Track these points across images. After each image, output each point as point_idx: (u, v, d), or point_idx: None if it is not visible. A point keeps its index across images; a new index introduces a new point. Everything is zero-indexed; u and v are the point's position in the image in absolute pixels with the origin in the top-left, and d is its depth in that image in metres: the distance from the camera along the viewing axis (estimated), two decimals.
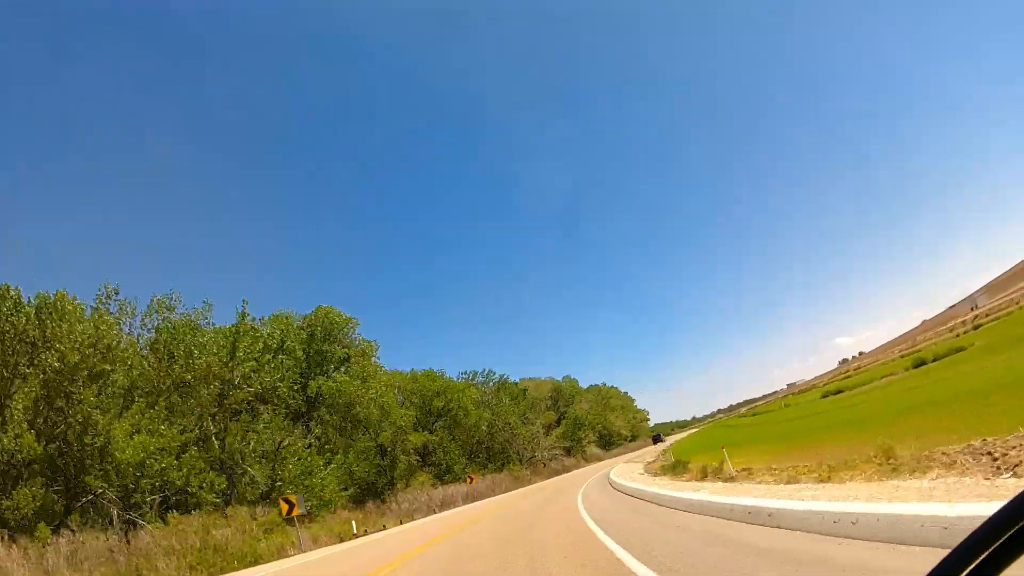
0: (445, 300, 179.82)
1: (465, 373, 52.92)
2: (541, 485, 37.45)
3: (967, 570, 0.71)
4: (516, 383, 62.82)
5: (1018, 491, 0.72)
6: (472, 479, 33.15)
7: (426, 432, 43.71)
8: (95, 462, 18.69)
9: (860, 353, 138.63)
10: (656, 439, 73.35)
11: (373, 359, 34.94)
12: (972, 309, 57.54)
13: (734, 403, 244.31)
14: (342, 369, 33.07)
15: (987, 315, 41.60)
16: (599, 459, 61.02)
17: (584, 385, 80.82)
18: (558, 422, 64.42)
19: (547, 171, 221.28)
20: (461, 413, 45.90)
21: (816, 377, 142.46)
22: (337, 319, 32.82)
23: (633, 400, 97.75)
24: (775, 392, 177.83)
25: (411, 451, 45.51)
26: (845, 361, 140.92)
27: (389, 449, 44.06)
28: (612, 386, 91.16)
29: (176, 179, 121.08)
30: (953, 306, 59.80)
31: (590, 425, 64.92)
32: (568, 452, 58.08)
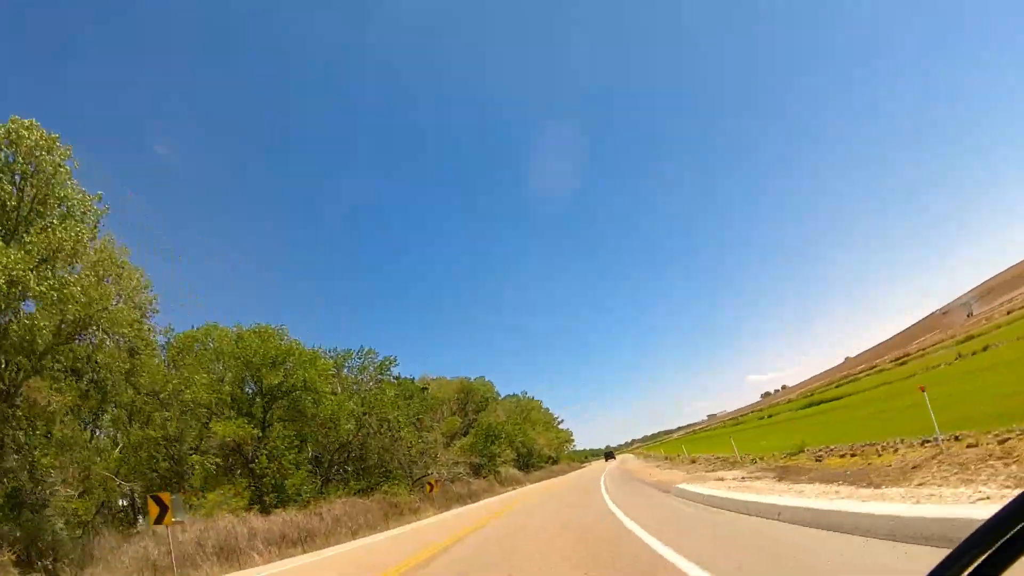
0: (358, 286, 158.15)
1: (331, 351, 34.19)
2: (438, 521, 20.78)
3: (967, 571, 0.70)
4: (414, 380, 45.76)
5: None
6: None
7: (243, 420, 25.73)
8: None
9: (784, 387, 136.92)
10: (608, 456, 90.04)
11: (100, 233, 16.51)
12: (968, 316, 48.80)
13: (648, 434, 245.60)
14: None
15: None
16: (518, 483, 44.95)
17: (502, 394, 64.89)
18: (465, 432, 47.80)
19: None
20: (309, 399, 28.11)
21: (737, 409, 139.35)
22: (28, 136, 14.75)
23: (556, 418, 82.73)
24: (694, 423, 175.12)
25: (215, 450, 27.18)
26: (768, 394, 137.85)
27: (176, 443, 25.65)
28: (534, 398, 75.75)
29: (171, 178, 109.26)
30: (945, 313, 50.92)
31: (508, 438, 48.80)
32: (476, 472, 41.51)
